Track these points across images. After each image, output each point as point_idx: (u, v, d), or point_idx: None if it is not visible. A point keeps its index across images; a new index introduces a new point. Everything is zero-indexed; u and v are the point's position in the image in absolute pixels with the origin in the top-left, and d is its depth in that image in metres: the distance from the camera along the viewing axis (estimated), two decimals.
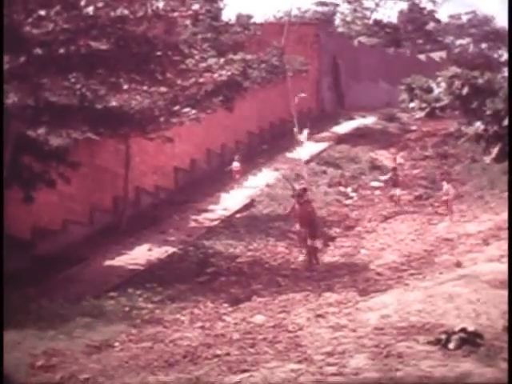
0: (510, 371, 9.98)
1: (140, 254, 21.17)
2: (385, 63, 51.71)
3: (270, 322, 14.65)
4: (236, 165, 29.40)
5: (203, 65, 22.19)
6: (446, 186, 25.64)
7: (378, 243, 22.34)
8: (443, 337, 11.76)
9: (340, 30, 61.63)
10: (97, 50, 17.06)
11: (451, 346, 11.55)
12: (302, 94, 33.88)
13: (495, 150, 25.18)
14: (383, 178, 29.15)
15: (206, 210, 25.93)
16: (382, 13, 66.81)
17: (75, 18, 16.68)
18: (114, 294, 17.23)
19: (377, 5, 66.01)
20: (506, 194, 22.35)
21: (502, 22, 66.24)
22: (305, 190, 22.14)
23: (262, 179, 29.65)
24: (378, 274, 18.67)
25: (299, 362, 11.58)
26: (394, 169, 28.47)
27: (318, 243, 20.64)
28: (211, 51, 28.19)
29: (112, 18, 17.09)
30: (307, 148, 34.36)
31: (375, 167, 32.04)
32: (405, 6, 67.06)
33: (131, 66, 18.25)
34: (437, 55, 58.80)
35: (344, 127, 39.72)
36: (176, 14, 18.36)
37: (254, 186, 28.51)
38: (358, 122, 41.23)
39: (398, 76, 39.30)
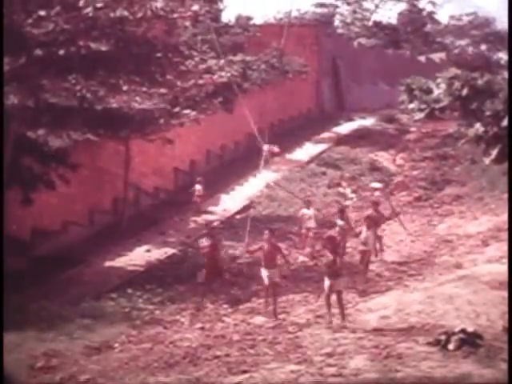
0: (510, 372, 10.00)
1: (140, 255, 21.18)
2: (384, 64, 51.70)
3: (269, 322, 14.67)
4: (198, 188, 26.13)
5: (203, 66, 22.22)
6: (339, 222, 20.17)
7: (377, 244, 22.32)
8: (443, 338, 11.78)
9: (339, 31, 61.57)
10: (97, 52, 17.07)
11: (451, 346, 11.57)
12: None
13: (495, 152, 25.09)
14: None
15: (206, 211, 25.94)
16: (381, 14, 66.50)
17: (75, 18, 16.70)
18: (113, 296, 17.25)
19: (376, 6, 65.95)
20: (505, 195, 22.32)
21: (502, 23, 66.23)
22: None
23: (261, 180, 29.64)
24: (378, 275, 18.68)
25: (299, 363, 11.61)
26: (375, 204, 20.80)
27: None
28: (211, 52, 28.20)
29: (112, 18, 17.11)
30: (307, 149, 34.50)
31: (375, 168, 32.06)
32: (404, 7, 67.05)
33: (131, 67, 18.27)
34: (436, 56, 58.80)
35: (344, 128, 39.71)
36: (176, 14, 18.40)
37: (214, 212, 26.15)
38: (358, 123, 41.24)
39: (397, 77, 39.23)
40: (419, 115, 31.15)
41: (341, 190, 29.16)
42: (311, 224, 21.95)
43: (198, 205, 25.84)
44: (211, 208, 26.37)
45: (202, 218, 25.26)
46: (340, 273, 14.56)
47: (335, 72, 46.27)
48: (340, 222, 20.35)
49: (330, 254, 14.63)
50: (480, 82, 26.61)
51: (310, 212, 22.18)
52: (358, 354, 11.70)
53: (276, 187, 28.46)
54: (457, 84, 27.06)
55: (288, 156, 33.29)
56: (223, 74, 25.17)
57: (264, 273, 15.96)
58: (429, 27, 67.73)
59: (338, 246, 15.21)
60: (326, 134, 37.96)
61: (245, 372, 11.31)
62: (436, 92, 28.77)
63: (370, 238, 18.81)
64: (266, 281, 15.92)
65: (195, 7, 19.60)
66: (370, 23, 64.28)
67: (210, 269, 17.30)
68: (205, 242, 17.62)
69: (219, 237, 19.74)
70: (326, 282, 14.41)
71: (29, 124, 18.85)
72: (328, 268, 14.62)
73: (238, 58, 32.88)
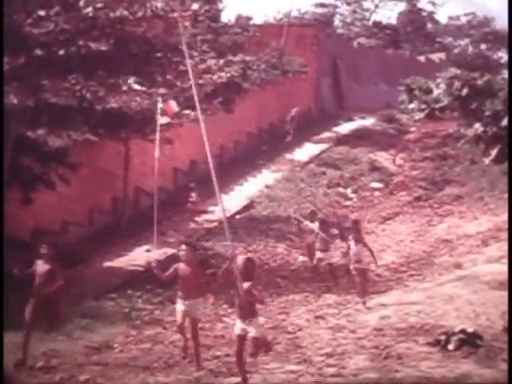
0: (510, 372, 9.98)
1: (139, 255, 21.16)
2: (384, 64, 51.73)
3: (269, 323, 14.67)
4: (192, 195, 25.66)
5: (203, 66, 22.22)
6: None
7: (377, 244, 22.32)
8: (443, 338, 11.78)
9: (339, 31, 61.64)
10: (96, 51, 17.06)
11: (451, 347, 11.57)
12: None
13: (494, 151, 25.15)
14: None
15: (206, 212, 25.92)
16: (381, 14, 66.60)
17: (75, 18, 16.70)
18: (113, 296, 17.24)
19: (376, 6, 65.97)
20: (505, 195, 22.35)
21: (502, 22, 66.26)
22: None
23: (261, 180, 29.67)
24: (378, 275, 18.68)
25: (299, 363, 11.61)
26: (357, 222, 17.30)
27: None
28: (211, 52, 28.19)
29: (111, 18, 17.11)
30: (307, 149, 34.48)
31: (375, 168, 32.08)
32: (404, 7, 67.10)
33: (131, 67, 18.27)
34: (436, 56, 58.85)
35: (343, 128, 39.74)
36: (175, 14, 18.39)
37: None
38: (358, 123, 41.26)
39: (397, 77, 39.31)
40: (419, 115, 31.22)
41: (341, 190, 29.17)
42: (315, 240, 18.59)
43: (194, 212, 25.51)
44: (211, 208, 26.35)
45: (202, 219, 25.26)
46: (256, 311, 10.63)
47: (335, 72, 46.29)
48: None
49: (242, 280, 10.52)
50: (480, 81, 26.67)
51: (313, 226, 18.76)
52: (358, 354, 11.70)
53: (275, 187, 28.48)
54: (457, 84, 27.11)
55: (288, 156, 33.33)
56: (223, 74, 25.17)
57: (179, 306, 12.01)
58: (429, 27, 67.79)
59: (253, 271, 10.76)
60: (325, 134, 37.99)
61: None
62: (436, 92, 28.82)
63: (363, 255, 15.93)
64: (180, 317, 11.99)
65: (195, 6, 19.60)
66: (370, 23, 64.31)
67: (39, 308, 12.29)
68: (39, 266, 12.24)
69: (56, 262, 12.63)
70: (239, 325, 10.40)
71: (29, 124, 18.85)
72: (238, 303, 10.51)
73: (238, 58, 32.85)
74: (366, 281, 15.86)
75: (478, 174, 28.51)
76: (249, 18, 42.33)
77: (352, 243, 16.04)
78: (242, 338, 10.32)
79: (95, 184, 23.62)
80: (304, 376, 10.96)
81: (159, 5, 17.65)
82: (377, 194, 29.01)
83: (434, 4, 66.83)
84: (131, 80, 18.30)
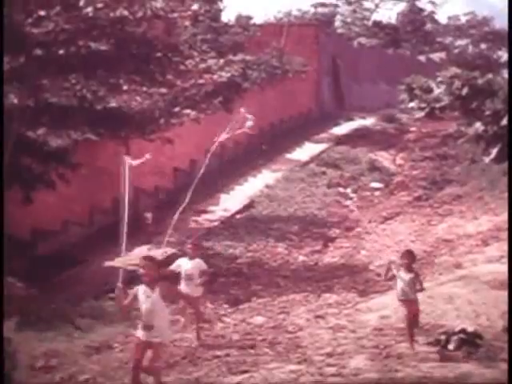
0: (510, 372, 9.98)
1: (140, 255, 21.09)
2: (384, 64, 51.73)
3: (269, 322, 14.69)
4: (148, 216, 24.12)
5: (203, 66, 22.23)
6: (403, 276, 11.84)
7: (377, 244, 22.33)
8: (443, 337, 11.77)
9: (340, 31, 61.58)
10: (96, 51, 17.09)
11: (451, 346, 11.57)
12: None
13: (495, 151, 25.12)
14: None
15: (206, 211, 25.93)
16: (381, 14, 66.60)
17: (75, 18, 16.73)
18: (113, 295, 17.21)
19: (376, 6, 65.95)
20: (505, 195, 22.28)
21: (501, 22, 66.18)
22: None
23: (261, 180, 29.67)
24: (378, 274, 18.68)
25: (299, 362, 11.61)
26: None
27: None
28: (211, 52, 28.20)
29: (111, 18, 17.12)
30: (307, 149, 34.49)
31: (375, 168, 32.06)
32: (404, 7, 67.06)
33: (131, 66, 18.29)
34: (436, 56, 58.84)
35: (343, 128, 39.73)
36: (175, 14, 18.41)
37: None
38: (358, 122, 41.25)
39: (397, 77, 39.30)
40: (419, 114, 31.21)
41: (341, 189, 29.16)
42: (193, 289, 13.38)
43: (149, 234, 22.05)
44: (211, 207, 26.37)
45: (202, 218, 25.25)
46: None
47: (335, 72, 46.27)
48: (405, 276, 11.77)
49: None
50: (480, 81, 26.67)
51: (189, 266, 13.90)
52: (358, 354, 11.70)
53: (275, 187, 28.49)
54: (457, 83, 27.10)
55: (288, 156, 33.33)
56: (223, 73, 25.17)
57: None
58: (429, 27, 67.77)
59: None
60: (325, 134, 37.99)
61: (245, 372, 11.31)
62: (436, 91, 28.82)
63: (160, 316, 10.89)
64: None
65: (195, 6, 19.63)
66: (370, 23, 64.27)
67: None
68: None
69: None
70: None
71: (29, 123, 18.84)
72: None
73: (238, 57, 32.85)
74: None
75: (478, 174, 28.47)
76: (249, 18, 42.34)
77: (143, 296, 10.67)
78: None
79: (95, 184, 23.61)
80: (304, 376, 10.96)
81: (159, 5, 17.66)
82: (377, 193, 28.99)
83: (434, 4, 66.83)
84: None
